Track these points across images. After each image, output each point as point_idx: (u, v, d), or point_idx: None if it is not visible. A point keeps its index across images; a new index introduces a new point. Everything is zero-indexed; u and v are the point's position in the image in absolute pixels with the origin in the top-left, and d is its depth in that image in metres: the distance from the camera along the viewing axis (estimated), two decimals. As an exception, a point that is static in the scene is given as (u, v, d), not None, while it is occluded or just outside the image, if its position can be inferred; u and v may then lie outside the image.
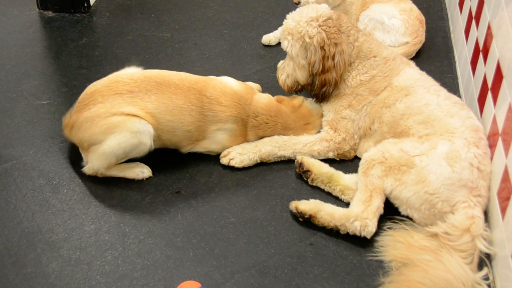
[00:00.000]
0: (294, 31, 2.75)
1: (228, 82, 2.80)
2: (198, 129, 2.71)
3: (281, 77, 2.94)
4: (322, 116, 2.91)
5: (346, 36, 2.74)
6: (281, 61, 3.00)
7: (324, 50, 2.71)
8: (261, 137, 2.83)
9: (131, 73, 2.72)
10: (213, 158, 2.81)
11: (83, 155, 2.70)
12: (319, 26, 2.71)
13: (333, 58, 2.71)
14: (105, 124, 2.55)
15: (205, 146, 2.79)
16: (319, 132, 2.88)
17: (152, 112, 2.61)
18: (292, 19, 2.78)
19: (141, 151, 2.63)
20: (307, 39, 2.71)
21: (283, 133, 2.84)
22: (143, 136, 2.58)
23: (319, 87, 2.78)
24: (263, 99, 2.81)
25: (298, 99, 2.92)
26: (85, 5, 4.00)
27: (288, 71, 2.89)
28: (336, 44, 2.70)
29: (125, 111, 2.57)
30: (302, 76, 2.84)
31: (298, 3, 3.55)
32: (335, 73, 2.73)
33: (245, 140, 2.83)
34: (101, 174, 2.69)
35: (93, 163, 2.64)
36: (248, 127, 2.78)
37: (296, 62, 2.81)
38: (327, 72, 2.73)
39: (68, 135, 2.72)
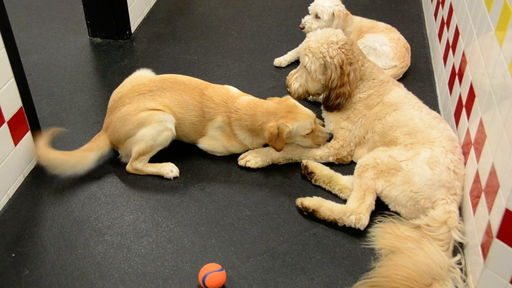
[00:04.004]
0: (316, 50, 2.72)
1: (228, 87, 2.81)
2: (200, 122, 2.74)
3: (293, 85, 2.90)
4: (306, 113, 2.68)
5: (356, 60, 2.75)
6: (293, 70, 2.95)
7: (342, 68, 2.70)
8: (249, 132, 2.72)
9: (150, 77, 2.79)
10: (232, 160, 2.83)
11: (120, 150, 2.74)
12: (339, 48, 2.70)
13: (348, 75, 2.70)
14: (136, 120, 2.62)
15: (207, 142, 2.79)
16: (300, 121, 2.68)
17: (168, 106, 2.69)
18: (316, 40, 2.74)
19: (166, 137, 2.67)
20: (328, 59, 2.70)
21: (264, 119, 2.64)
22: (167, 123, 2.64)
23: (334, 99, 2.76)
24: (246, 98, 2.75)
25: (286, 97, 2.76)
26: (127, 33, 4.04)
27: (300, 81, 2.86)
28: (351, 63, 2.70)
29: (149, 106, 2.64)
30: (313, 87, 2.84)
31: (303, 28, 3.55)
32: (349, 87, 2.72)
33: (236, 138, 2.76)
34: (140, 172, 2.72)
35: (130, 151, 2.68)
36: (232, 121, 2.72)
37: (312, 76, 2.78)
38: (342, 86, 2.72)
39: (103, 141, 2.72)
